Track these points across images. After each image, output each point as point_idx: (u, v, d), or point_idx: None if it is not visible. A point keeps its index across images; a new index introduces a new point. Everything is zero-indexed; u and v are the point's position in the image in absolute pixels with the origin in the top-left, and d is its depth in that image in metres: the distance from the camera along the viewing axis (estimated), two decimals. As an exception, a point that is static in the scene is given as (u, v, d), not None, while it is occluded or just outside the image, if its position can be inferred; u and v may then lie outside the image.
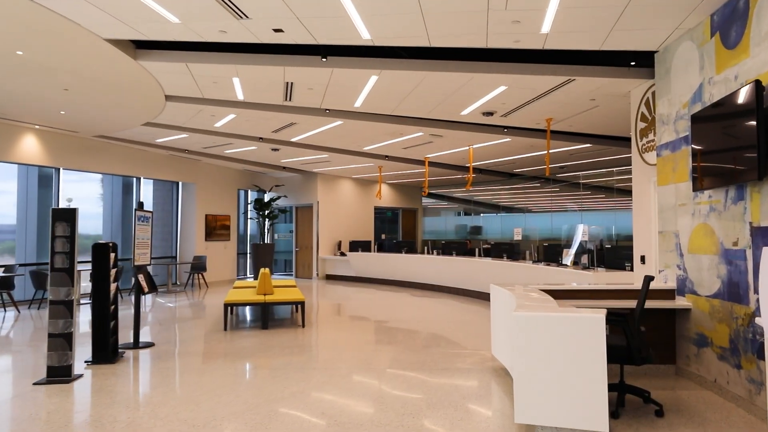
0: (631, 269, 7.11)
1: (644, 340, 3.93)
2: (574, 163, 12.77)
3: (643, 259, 6.50)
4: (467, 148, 11.15)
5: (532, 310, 3.49)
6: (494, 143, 10.52)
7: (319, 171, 15.46)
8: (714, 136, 4.30)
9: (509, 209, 17.22)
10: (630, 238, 6.82)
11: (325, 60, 6.11)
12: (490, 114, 8.17)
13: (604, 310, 3.34)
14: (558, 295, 5.03)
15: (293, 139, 10.88)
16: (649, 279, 4.03)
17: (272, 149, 11.73)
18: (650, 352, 3.89)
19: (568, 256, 8.06)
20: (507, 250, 10.48)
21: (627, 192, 14.07)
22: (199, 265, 13.25)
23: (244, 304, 7.64)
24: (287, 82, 6.95)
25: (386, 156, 12.85)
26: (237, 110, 8.44)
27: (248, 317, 8.76)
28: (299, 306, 7.90)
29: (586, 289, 5.11)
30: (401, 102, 7.69)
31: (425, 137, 10.15)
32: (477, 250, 11.76)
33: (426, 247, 13.29)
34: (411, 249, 13.76)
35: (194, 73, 6.67)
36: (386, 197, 18.08)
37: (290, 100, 7.78)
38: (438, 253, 12.45)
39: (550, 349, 3.27)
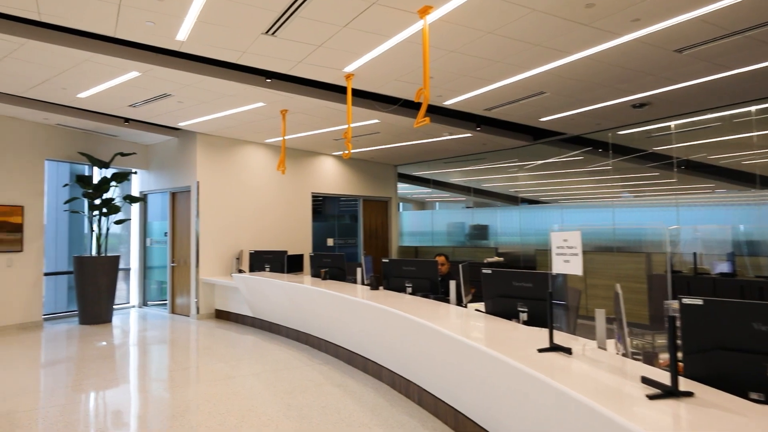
0: None
1: None
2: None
3: None
4: (418, 25, 4.28)
5: None
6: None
7: (195, 129, 8.72)
8: None
9: (530, 201, 10.28)
10: None
11: None
12: None
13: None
14: None
15: None
16: None
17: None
18: None
19: None
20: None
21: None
22: None
23: None
24: None
25: (268, 76, 6.05)
26: None
27: None
28: None
29: None
30: None
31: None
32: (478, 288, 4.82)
33: (358, 278, 6.41)
34: (338, 272, 6.89)
35: None
36: (335, 179, 11.26)
37: None
38: (408, 288, 5.55)
39: None
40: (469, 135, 8.58)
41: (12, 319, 7.97)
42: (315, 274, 7.16)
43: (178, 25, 4.46)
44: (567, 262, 2.53)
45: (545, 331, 2.74)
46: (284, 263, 8.28)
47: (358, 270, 6.43)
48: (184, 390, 4.83)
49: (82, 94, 6.63)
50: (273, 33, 4.56)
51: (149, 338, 7.46)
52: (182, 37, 4.69)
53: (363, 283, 6.22)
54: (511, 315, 3.67)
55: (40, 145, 8.48)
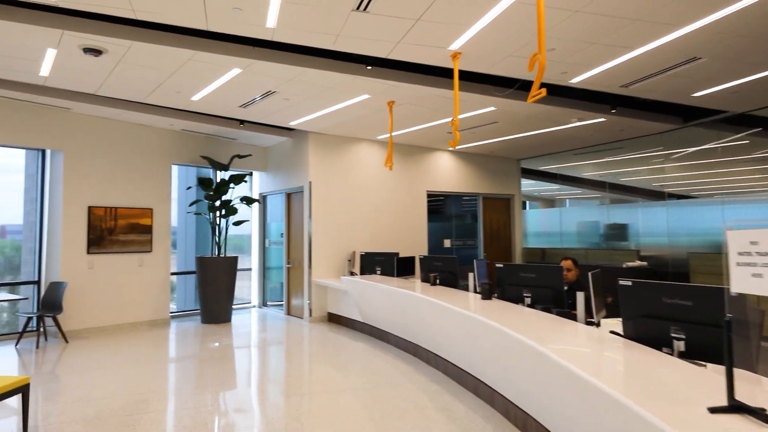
0: None
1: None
2: None
3: None
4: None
5: None
6: None
7: (307, 128, 8.58)
8: None
9: (680, 196, 8.73)
10: None
11: None
12: None
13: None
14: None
15: None
16: None
17: (85, 50, 5.11)
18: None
19: None
20: None
21: None
22: (48, 302, 7.17)
23: None
24: None
25: (369, 63, 5.58)
26: None
27: None
28: None
29: None
30: None
31: None
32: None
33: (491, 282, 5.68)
34: (449, 277, 6.24)
35: None
36: (452, 176, 10.59)
37: None
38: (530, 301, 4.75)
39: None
40: (603, 120, 7.44)
41: (143, 316, 8.40)
42: (425, 278, 6.58)
43: (265, 8, 4.12)
44: (759, 277, 1.66)
45: (716, 374, 1.87)
46: (394, 266, 7.80)
47: (470, 275, 5.72)
48: (274, 404, 4.50)
49: (195, 97, 6.69)
50: (364, 8, 4.05)
51: (260, 341, 7.38)
52: (272, 23, 4.37)
53: (475, 291, 5.50)
54: (660, 342, 2.77)
55: (167, 150, 8.86)
